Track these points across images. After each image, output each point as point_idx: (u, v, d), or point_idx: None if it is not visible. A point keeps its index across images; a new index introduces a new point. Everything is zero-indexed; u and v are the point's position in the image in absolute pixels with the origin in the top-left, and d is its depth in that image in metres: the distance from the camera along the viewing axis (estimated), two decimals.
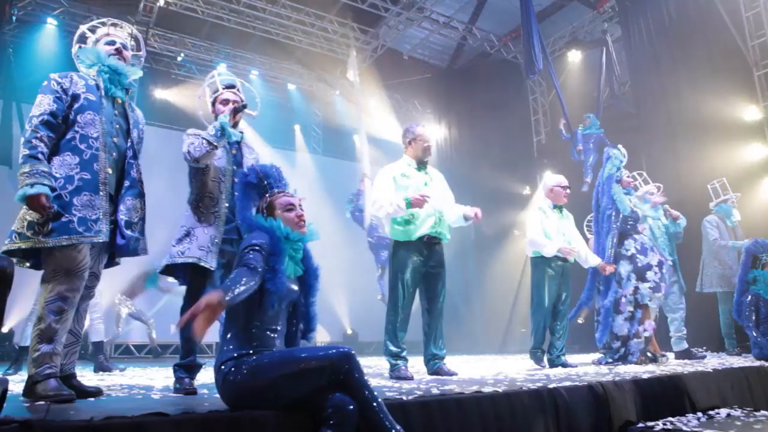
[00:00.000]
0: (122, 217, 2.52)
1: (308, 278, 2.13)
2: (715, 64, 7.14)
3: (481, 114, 10.63)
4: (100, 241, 2.42)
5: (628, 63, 8.54)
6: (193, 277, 2.82)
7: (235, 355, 1.88)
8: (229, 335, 1.95)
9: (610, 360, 4.58)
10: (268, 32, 9.52)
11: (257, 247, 1.93)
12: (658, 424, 2.65)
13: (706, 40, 7.31)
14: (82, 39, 2.79)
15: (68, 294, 2.36)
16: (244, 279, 1.82)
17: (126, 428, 1.59)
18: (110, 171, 2.53)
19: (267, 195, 2.17)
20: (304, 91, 11.32)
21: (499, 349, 9.01)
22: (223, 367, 1.88)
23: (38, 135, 2.37)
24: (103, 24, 2.82)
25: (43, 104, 2.46)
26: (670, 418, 2.78)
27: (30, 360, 2.34)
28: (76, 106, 2.53)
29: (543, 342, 4.63)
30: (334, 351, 1.83)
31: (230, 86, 3.10)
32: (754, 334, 4.68)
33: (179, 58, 10.09)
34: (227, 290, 1.74)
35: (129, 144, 2.66)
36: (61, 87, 2.52)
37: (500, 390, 2.44)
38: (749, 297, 4.82)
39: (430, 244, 3.76)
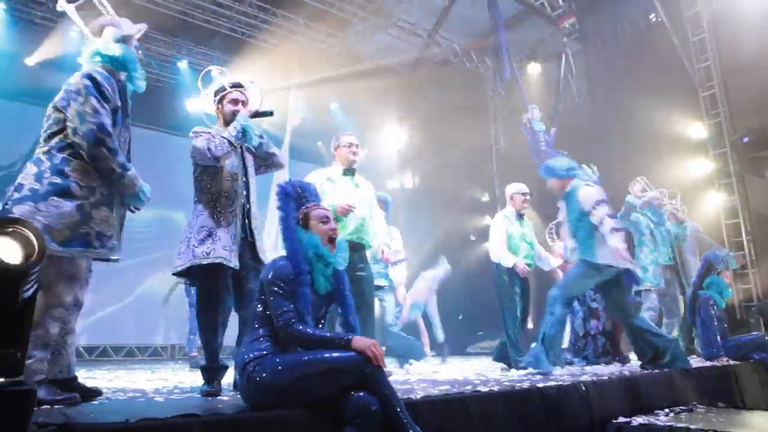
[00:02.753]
0: None
1: (343, 289, 2.21)
2: (665, 83, 7.67)
3: (441, 121, 10.81)
4: (114, 258, 2.41)
5: (587, 77, 8.98)
6: (206, 278, 2.74)
7: (262, 354, 1.93)
8: (253, 339, 1.99)
9: (576, 359, 4.82)
10: (233, 30, 9.38)
11: (276, 288, 2.00)
12: (633, 420, 2.87)
13: (658, 60, 7.84)
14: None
15: (69, 299, 2.32)
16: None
17: (160, 429, 1.61)
18: None
19: (304, 206, 2.25)
20: (264, 90, 11.17)
21: (459, 351, 9.19)
22: (248, 367, 1.91)
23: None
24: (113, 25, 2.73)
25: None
26: (644, 414, 3.00)
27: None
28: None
29: (520, 346, 4.66)
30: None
31: (237, 85, 3.06)
32: (707, 333, 4.86)
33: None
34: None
35: None
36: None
37: (496, 389, 2.58)
38: (703, 298, 5.02)
39: (351, 249, 3.75)
